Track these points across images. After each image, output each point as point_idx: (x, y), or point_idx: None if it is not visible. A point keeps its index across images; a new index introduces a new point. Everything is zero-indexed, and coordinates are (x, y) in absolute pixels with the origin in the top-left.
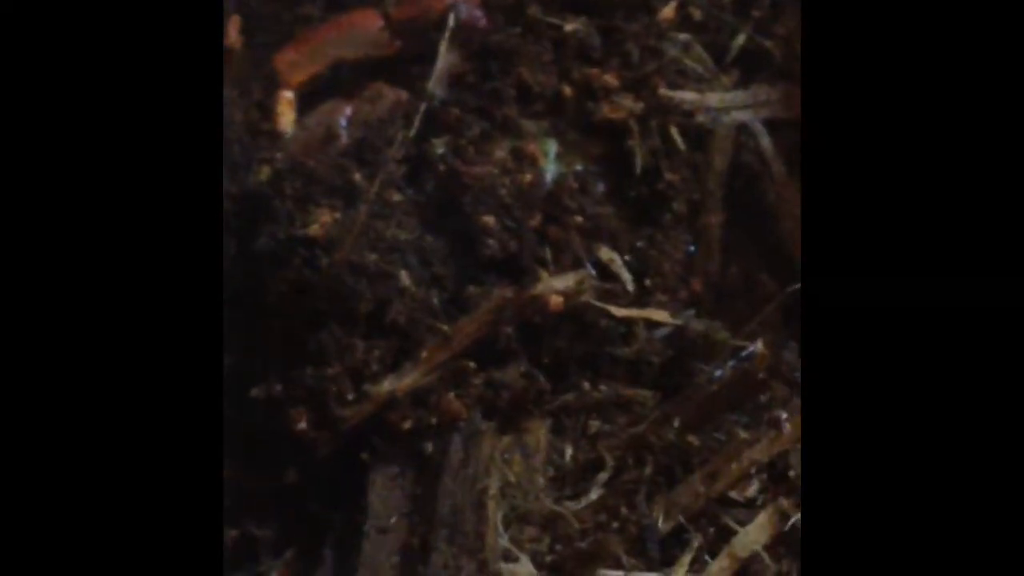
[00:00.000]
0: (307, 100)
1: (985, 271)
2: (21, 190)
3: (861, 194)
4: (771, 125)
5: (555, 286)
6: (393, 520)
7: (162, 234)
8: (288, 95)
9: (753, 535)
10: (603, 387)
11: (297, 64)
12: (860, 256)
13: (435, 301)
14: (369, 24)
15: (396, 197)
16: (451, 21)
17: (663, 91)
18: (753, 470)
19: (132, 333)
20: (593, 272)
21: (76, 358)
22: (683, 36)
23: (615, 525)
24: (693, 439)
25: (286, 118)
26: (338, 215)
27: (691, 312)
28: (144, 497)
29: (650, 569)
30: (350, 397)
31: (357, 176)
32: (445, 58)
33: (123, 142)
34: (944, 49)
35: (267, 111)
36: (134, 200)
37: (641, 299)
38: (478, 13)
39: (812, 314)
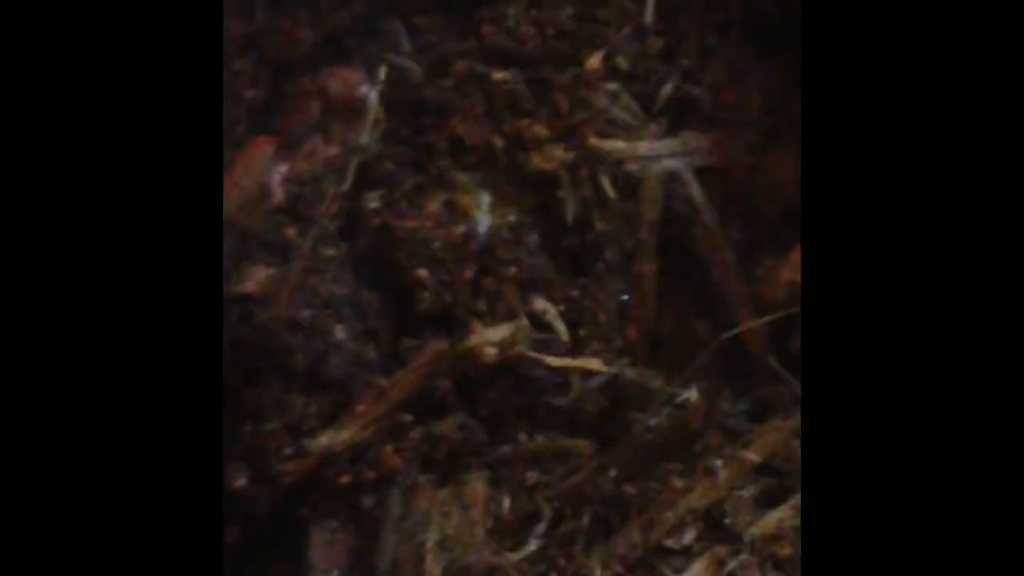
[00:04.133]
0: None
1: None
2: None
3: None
4: (701, 173)
5: (490, 338)
6: (334, 575)
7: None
8: None
9: None
10: (540, 438)
11: None
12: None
13: (371, 355)
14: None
15: (330, 252)
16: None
17: (593, 141)
18: (689, 518)
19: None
20: (527, 323)
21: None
22: (611, 86)
23: None
24: (630, 488)
25: None
26: (273, 271)
27: (626, 361)
28: None
29: None
30: (288, 452)
31: (291, 232)
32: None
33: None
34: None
35: None
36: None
37: (576, 349)
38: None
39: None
